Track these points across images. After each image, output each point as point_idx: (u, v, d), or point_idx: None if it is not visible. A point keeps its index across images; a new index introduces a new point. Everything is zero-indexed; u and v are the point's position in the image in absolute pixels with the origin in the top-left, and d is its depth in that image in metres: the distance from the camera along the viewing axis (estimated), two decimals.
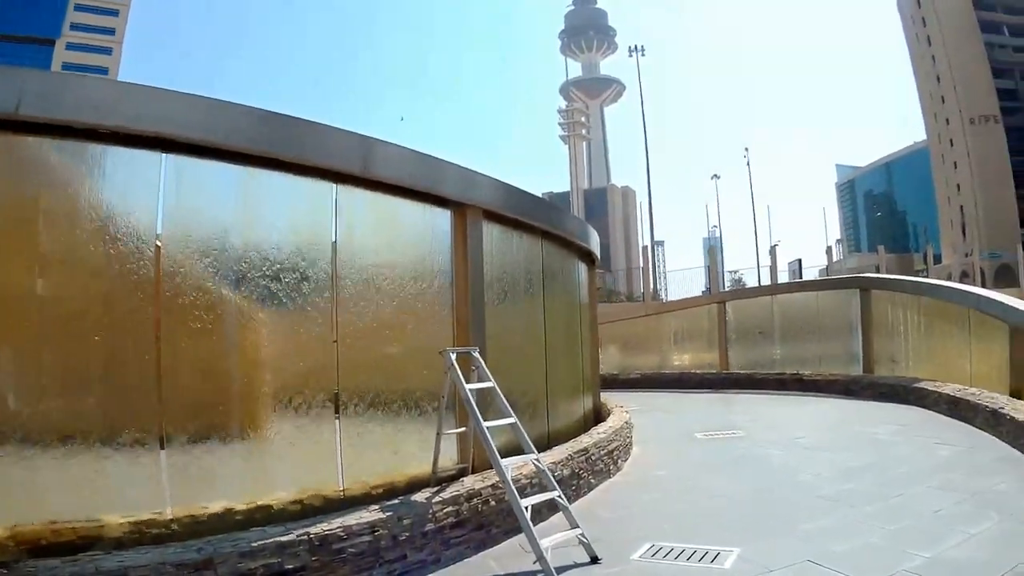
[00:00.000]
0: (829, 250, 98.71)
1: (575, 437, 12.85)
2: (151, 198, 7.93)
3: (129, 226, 7.74)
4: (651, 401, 26.31)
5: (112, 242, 7.68)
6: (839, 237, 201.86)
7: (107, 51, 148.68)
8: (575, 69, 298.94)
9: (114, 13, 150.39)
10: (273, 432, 8.53)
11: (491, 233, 11.41)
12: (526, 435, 9.34)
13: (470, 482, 9.59)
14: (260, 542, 7.27)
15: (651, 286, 66.39)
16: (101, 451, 7.54)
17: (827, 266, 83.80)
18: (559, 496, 8.87)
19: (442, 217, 10.60)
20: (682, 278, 63.62)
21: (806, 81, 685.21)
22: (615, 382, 31.73)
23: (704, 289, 57.02)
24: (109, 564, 6.71)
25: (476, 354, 9.75)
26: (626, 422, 15.01)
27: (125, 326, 7.84)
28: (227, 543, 7.23)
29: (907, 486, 11.52)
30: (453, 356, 9.25)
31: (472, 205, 10.82)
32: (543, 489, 9.15)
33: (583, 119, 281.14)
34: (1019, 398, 16.18)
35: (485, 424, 8.83)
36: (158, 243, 7.90)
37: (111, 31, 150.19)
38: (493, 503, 9.30)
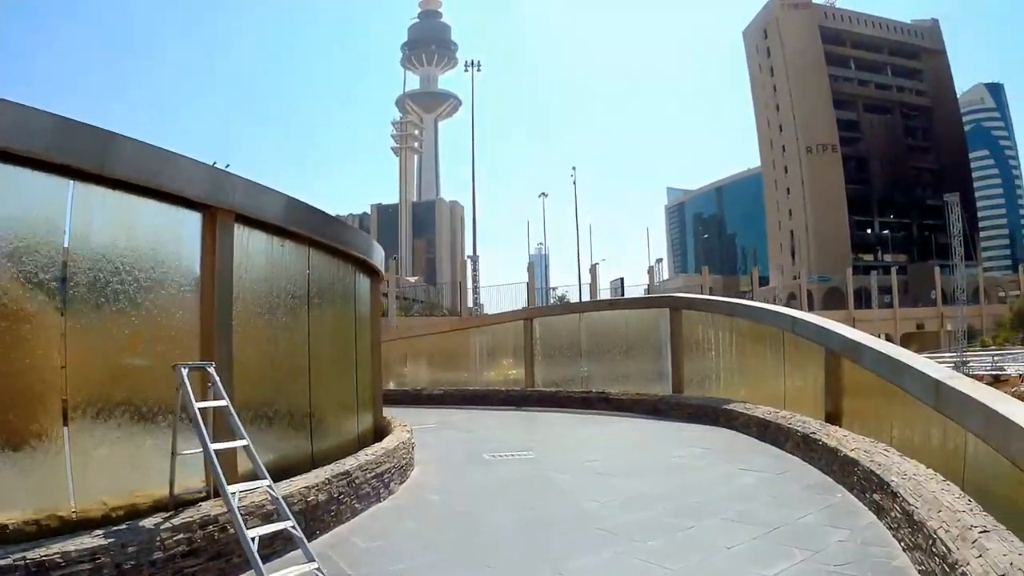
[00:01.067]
0: (651, 270, 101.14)
1: (345, 458, 12.19)
2: None
3: None
4: (450, 418, 26.00)
5: None
6: (660, 257, 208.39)
7: None
8: (414, 82, 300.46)
9: None
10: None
11: (247, 239, 10.80)
12: (259, 459, 8.62)
13: (208, 507, 8.89)
14: None
15: (469, 300, 66.60)
16: None
17: (648, 285, 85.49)
18: (292, 527, 8.15)
19: (190, 220, 9.93)
20: (502, 293, 63.96)
21: (642, 103, 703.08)
22: (420, 398, 31.61)
23: (524, 305, 57.51)
24: None
25: (211, 369, 9.05)
26: (403, 442, 14.44)
27: None
28: None
29: (702, 517, 11.00)
30: (185, 371, 8.58)
31: (223, 208, 10.19)
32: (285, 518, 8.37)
33: (416, 132, 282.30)
34: (834, 423, 15.91)
35: (214, 446, 8.20)
36: None
37: None
38: (232, 531, 8.45)
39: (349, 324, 14.67)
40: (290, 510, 8.61)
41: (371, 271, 16.03)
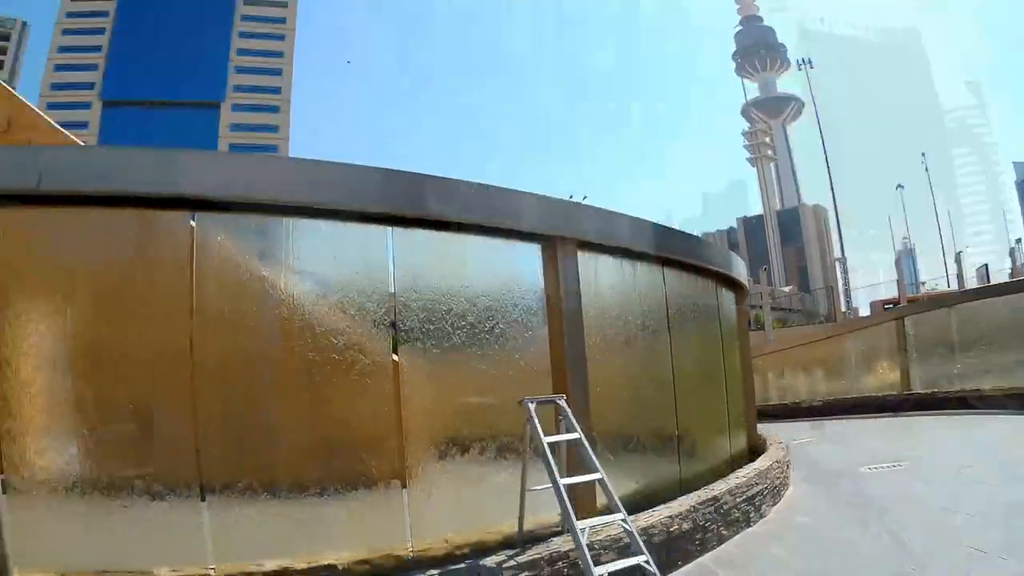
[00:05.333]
0: (1012, 252, 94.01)
1: (715, 481, 11.62)
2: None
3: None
4: (825, 430, 24.74)
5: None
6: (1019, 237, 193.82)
7: (274, 109, 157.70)
8: (751, 91, 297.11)
9: (276, 72, 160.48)
10: (332, 486, 8.09)
11: (593, 266, 10.58)
12: (613, 492, 8.14)
13: (559, 543, 8.56)
14: None
15: (841, 305, 64.73)
16: (148, 502, 7.54)
17: (1012, 269, 80.00)
18: (646, 562, 7.66)
19: (528, 252, 9.90)
20: (872, 294, 62.07)
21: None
22: (796, 411, 30.50)
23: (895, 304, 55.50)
24: None
25: (562, 402, 8.68)
26: (777, 461, 13.56)
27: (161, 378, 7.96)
28: None
29: None
30: (532, 406, 8.33)
31: (563, 237, 9.99)
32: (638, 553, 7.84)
33: (767, 139, 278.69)
34: None
35: (564, 481, 7.90)
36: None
37: (276, 90, 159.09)
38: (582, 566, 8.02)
39: (714, 341, 14.06)
40: (651, 540, 8.44)
41: (733, 285, 15.41)
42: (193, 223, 7.99)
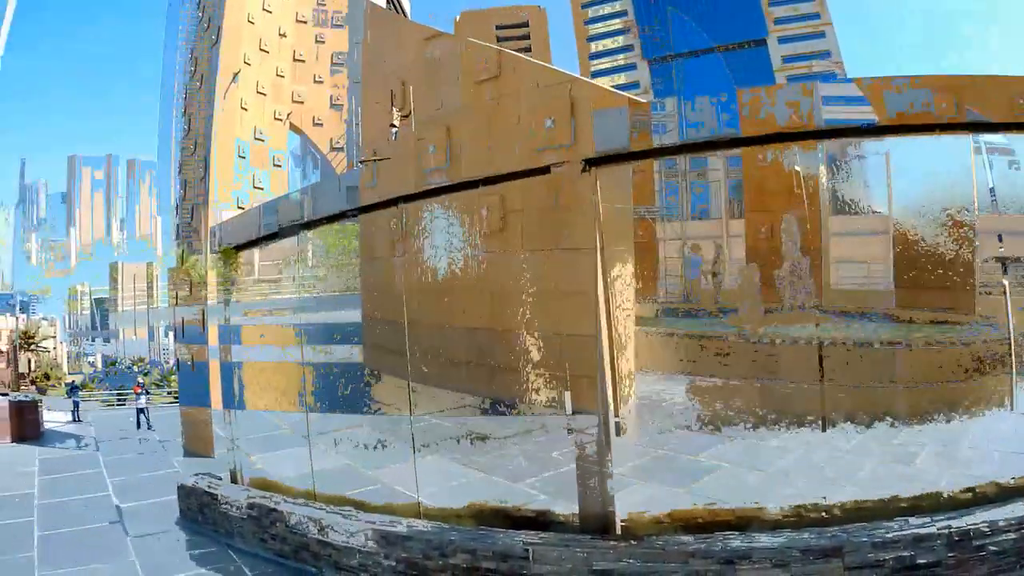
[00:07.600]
0: None
1: None
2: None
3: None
4: None
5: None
6: None
7: (820, 36, 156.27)
8: None
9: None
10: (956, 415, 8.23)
11: None
12: None
13: None
14: (896, 533, 7.19)
15: None
16: (762, 438, 8.34)
17: None
18: None
19: None
20: None
21: None
22: None
23: None
24: (736, 544, 7.41)
25: None
26: None
27: None
28: (863, 533, 7.33)
29: None
30: None
31: None
32: None
33: None
34: None
35: None
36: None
37: (815, 16, 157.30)
38: None
39: None
40: None
41: None
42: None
